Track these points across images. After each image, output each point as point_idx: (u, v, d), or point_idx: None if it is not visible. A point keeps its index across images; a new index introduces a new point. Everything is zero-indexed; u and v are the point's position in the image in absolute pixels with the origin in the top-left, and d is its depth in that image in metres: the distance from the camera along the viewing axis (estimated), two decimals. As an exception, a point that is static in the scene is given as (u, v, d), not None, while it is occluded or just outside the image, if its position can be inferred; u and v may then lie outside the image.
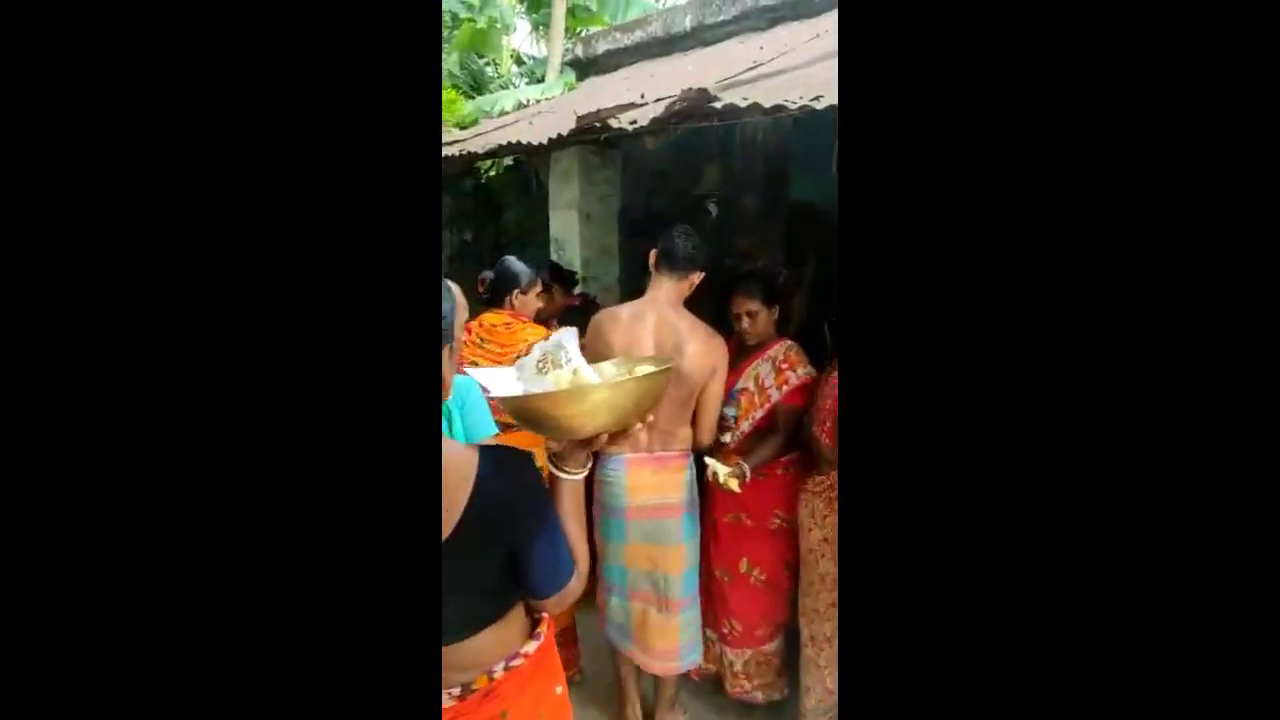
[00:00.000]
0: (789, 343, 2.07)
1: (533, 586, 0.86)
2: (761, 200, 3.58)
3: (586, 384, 0.89)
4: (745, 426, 2.01)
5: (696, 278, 1.87)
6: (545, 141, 2.70)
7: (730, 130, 3.37)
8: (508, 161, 4.93)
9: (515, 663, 0.88)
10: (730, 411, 2.02)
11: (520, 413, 0.89)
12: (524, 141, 2.82)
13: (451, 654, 0.83)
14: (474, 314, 2.13)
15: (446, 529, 0.78)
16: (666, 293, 1.84)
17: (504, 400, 0.90)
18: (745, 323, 2.02)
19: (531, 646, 0.91)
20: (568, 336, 0.93)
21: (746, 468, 1.87)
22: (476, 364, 2.06)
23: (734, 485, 1.82)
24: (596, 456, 1.47)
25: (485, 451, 0.83)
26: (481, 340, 2.13)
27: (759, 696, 2.10)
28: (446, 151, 3.85)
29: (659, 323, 1.82)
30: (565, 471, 0.92)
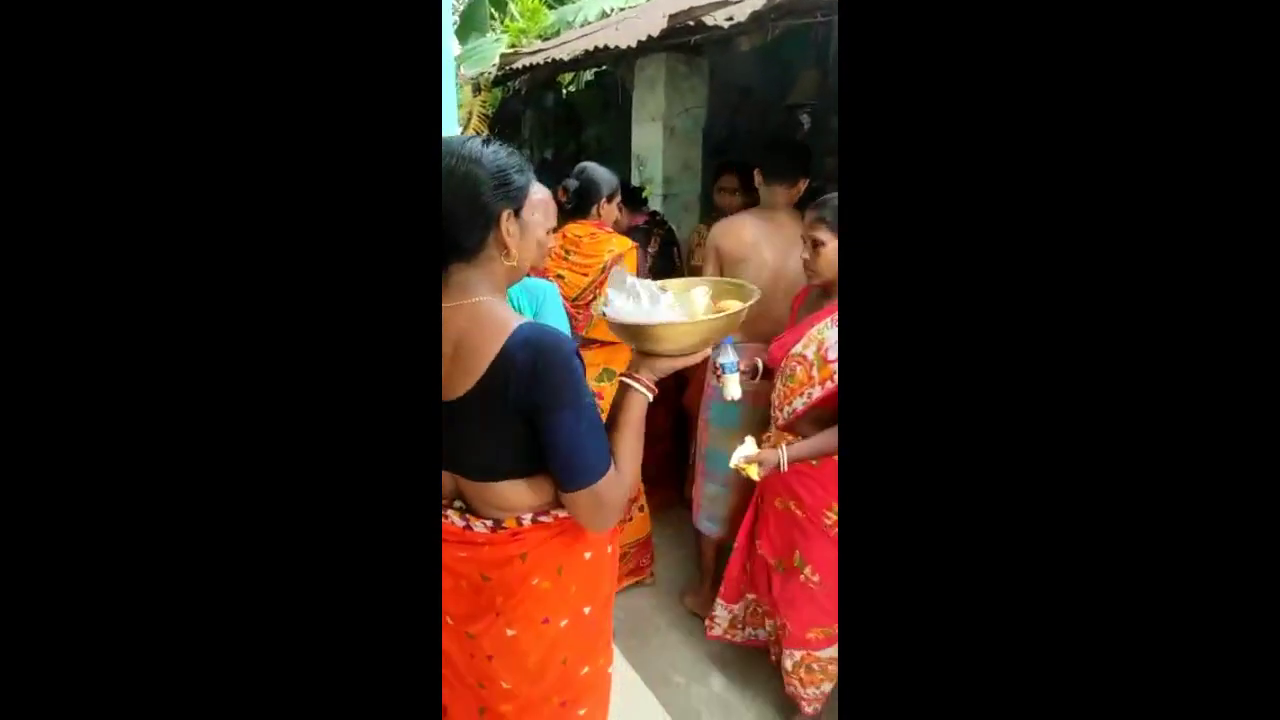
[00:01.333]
0: None
1: (557, 472, 0.89)
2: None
3: (680, 321, 1.01)
4: (798, 405, 1.56)
5: (803, 185, 1.99)
6: (633, 45, 2.59)
7: (829, 36, 3.15)
8: (589, 76, 4.81)
9: (543, 518, 0.96)
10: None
11: (624, 332, 1.01)
12: (611, 46, 2.72)
13: (483, 491, 0.95)
14: (558, 225, 2.11)
15: (471, 382, 0.86)
16: (778, 197, 1.99)
17: (617, 327, 1.00)
18: (806, 253, 1.53)
19: (561, 512, 0.97)
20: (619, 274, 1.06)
21: (784, 456, 1.50)
22: (562, 277, 2.05)
23: (752, 474, 1.51)
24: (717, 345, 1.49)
25: (525, 324, 0.88)
26: (566, 252, 2.09)
27: (805, 708, 1.75)
28: (529, 61, 3.78)
29: (774, 228, 1.98)
30: (639, 385, 0.98)
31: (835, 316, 1.51)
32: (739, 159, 2.98)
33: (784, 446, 1.52)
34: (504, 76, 4.22)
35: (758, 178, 1.99)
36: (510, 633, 0.97)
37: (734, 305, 1.04)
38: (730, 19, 2.17)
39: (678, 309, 1.04)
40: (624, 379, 0.99)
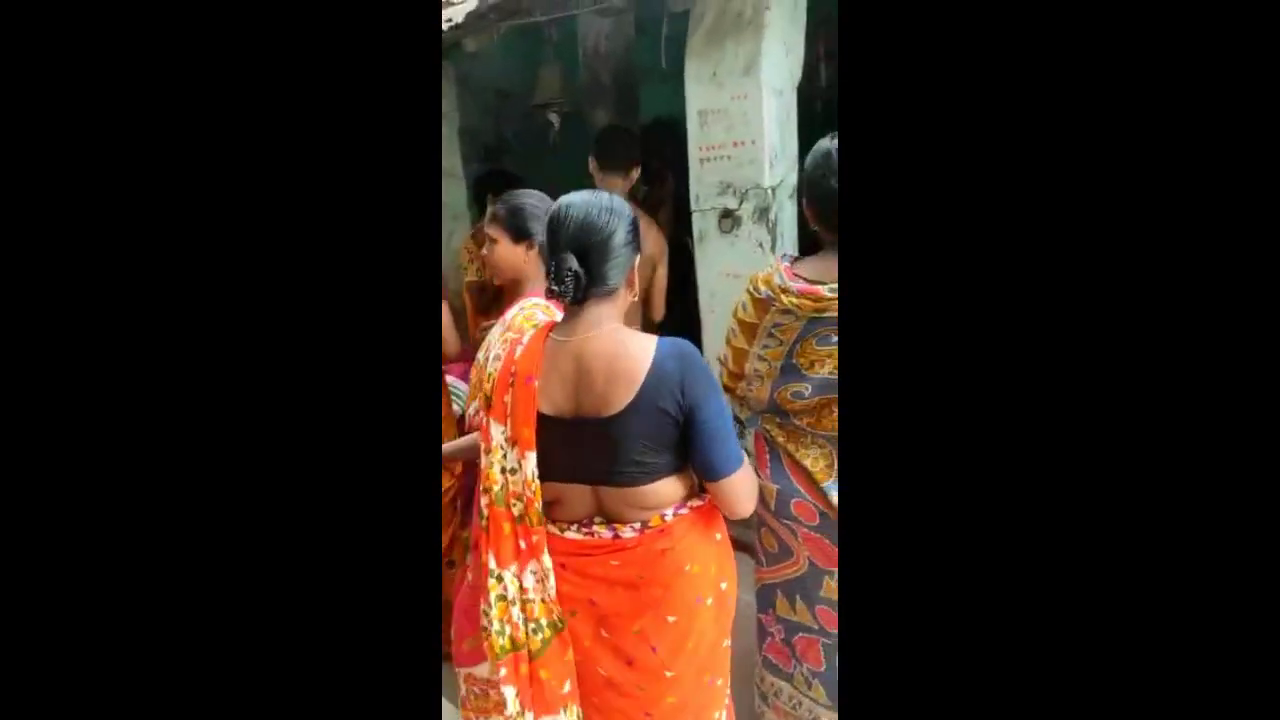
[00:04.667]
0: (534, 300, 1.43)
1: (707, 463, 1.07)
2: (612, 115, 3.45)
3: None
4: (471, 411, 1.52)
5: (635, 172, 2.14)
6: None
7: (568, 39, 3.20)
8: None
9: (682, 511, 1.13)
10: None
11: None
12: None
13: (633, 496, 1.10)
14: None
15: (630, 394, 1.03)
16: (614, 184, 2.09)
17: None
18: (486, 250, 1.52)
19: (696, 502, 1.15)
20: None
21: None
22: None
23: None
24: None
25: (662, 340, 1.07)
26: None
27: None
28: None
29: None
30: None
31: (504, 318, 1.45)
32: (501, 169, 2.94)
33: None
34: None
35: (593, 164, 2.13)
36: (671, 619, 1.12)
37: None
38: (449, 20, 2.10)
39: None
40: None
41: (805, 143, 2.04)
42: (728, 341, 1.39)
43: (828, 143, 1.23)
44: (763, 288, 1.27)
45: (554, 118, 2.93)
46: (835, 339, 1.21)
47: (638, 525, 1.10)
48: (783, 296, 1.23)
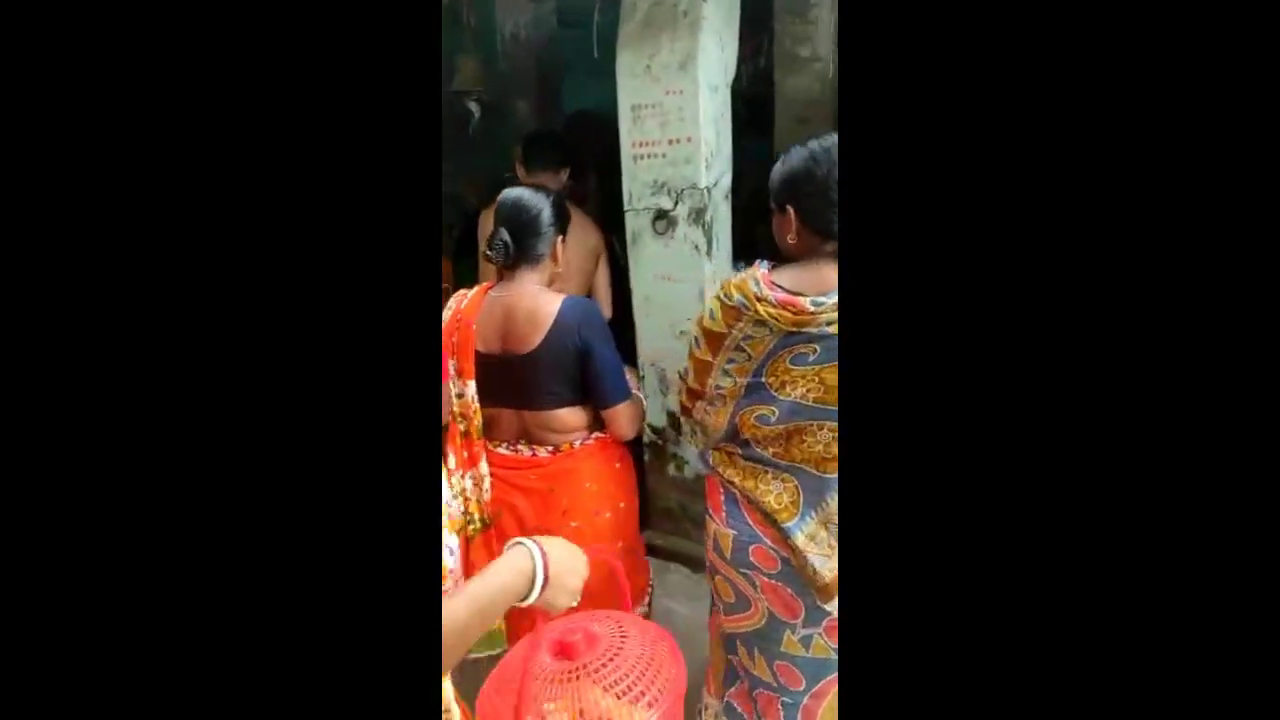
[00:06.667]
0: None
1: (600, 393, 1.40)
2: (535, 106, 3.32)
3: None
4: None
5: (564, 174, 2.15)
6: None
7: (488, 27, 3.04)
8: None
9: (587, 441, 1.47)
10: None
11: None
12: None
13: (548, 419, 1.42)
14: None
15: (541, 336, 1.35)
16: (544, 184, 2.05)
17: None
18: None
19: (596, 435, 1.48)
20: None
21: None
22: None
23: None
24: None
25: (567, 297, 1.38)
26: None
27: None
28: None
29: None
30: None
31: None
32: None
33: None
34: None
35: (520, 171, 2.17)
36: (574, 524, 1.42)
37: None
38: None
39: None
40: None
41: (736, 142, 2.01)
42: (690, 354, 1.26)
43: (826, 141, 1.11)
44: (735, 294, 1.12)
45: (473, 106, 2.77)
46: (813, 358, 1.11)
47: (551, 448, 1.45)
48: (758, 306, 1.09)
